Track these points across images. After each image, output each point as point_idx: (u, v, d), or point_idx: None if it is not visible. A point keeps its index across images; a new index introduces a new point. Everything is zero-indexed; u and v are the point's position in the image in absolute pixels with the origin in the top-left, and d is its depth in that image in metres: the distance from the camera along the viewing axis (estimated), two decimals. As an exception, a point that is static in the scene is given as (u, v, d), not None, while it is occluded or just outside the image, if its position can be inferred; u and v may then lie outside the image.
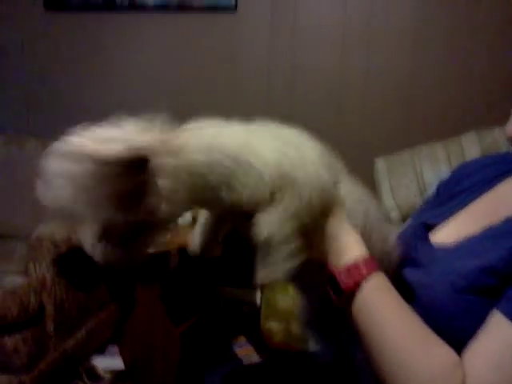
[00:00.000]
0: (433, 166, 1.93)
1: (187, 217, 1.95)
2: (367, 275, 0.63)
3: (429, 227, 0.78)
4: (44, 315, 1.90)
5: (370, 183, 2.05)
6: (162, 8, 2.53)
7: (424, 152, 2.00)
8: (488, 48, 2.18)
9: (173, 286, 2.10)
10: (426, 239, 0.75)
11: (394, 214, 1.95)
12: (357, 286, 0.63)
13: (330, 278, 0.65)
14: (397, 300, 0.64)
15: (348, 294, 0.63)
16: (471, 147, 1.89)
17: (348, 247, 0.65)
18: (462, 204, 0.78)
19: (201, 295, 2.18)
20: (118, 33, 2.65)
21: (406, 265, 0.73)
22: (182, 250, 2.05)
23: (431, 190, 1.77)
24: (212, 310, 2.31)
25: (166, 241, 1.81)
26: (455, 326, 0.62)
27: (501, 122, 1.84)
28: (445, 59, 2.25)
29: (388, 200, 1.97)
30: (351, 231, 0.66)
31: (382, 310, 0.62)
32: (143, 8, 2.55)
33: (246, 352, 2.16)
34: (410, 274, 0.71)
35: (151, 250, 1.77)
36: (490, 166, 0.82)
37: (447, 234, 0.74)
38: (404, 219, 1.87)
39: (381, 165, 2.04)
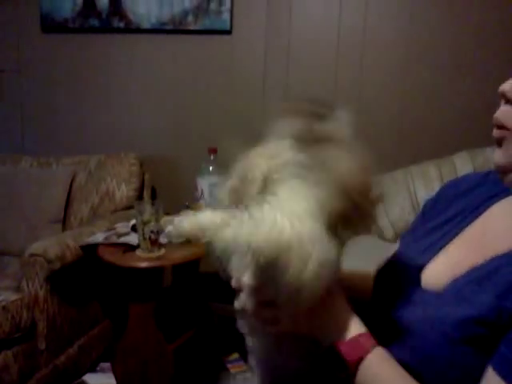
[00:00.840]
0: (426, 184, 1.95)
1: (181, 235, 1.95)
2: (370, 348, 0.66)
3: (419, 265, 0.78)
4: (36, 331, 1.89)
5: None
6: (158, 30, 2.58)
7: (417, 171, 2.02)
8: (479, 66, 2.22)
9: (167, 303, 2.09)
10: (418, 282, 0.76)
11: (388, 233, 1.96)
12: (361, 358, 0.66)
13: (332, 351, 0.68)
14: (398, 369, 0.66)
15: (352, 366, 0.66)
16: (464, 166, 1.92)
17: (348, 323, 0.69)
18: (450, 235, 0.78)
19: (194, 312, 2.17)
20: (114, 54, 2.69)
21: (398, 307, 0.74)
22: (176, 266, 2.05)
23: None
24: (206, 327, 2.29)
25: (160, 257, 1.81)
26: (449, 376, 0.63)
27: (492, 142, 1.88)
28: (436, 78, 2.29)
29: (382, 218, 1.98)
30: (348, 307, 0.70)
31: (386, 379, 0.66)
32: (139, 30, 2.60)
33: (239, 369, 2.14)
34: (402, 316, 0.72)
35: (144, 266, 1.77)
36: (476, 188, 0.82)
37: (437, 271, 0.74)
38: (398, 237, 1.88)
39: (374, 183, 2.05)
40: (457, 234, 0.77)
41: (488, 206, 0.77)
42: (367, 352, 0.66)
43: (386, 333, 0.69)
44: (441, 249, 0.77)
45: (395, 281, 0.78)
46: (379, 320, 0.73)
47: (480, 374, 0.61)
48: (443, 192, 0.89)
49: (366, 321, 0.70)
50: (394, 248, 0.90)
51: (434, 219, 0.84)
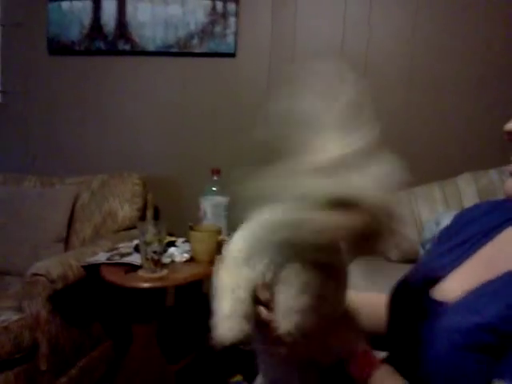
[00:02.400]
0: (430, 205, 1.95)
1: (184, 254, 1.95)
2: (377, 364, 0.68)
3: (432, 281, 0.78)
4: (37, 352, 1.88)
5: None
6: (164, 53, 2.61)
7: (420, 192, 2.02)
8: (483, 88, 2.24)
9: (169, 323, 2.08)
10: (431, 296, 0.76)
11: (392, 254, 1.96)
12: (369, 374, 0.67)
13: (338, 371, 0.69)
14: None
15: (361, 382, 0.68)
16: (467, 188, 1.93)
17: (356, 341, 0.70)
18: (464, 256, 0.78)
19: (198, 333, 2.15)
20: (120, 76, 2.72)
21: (411, 320, 0.74)
22: (179, 287, 2.05)
23: (428, 229, 1.78)
24: (209, 348, 2.27)
25: (162, 277, 1.81)
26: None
27: (495, 164, 1.88)
28: (439, 101, 2.31)
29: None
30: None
31: None
32: (145, 52, 2.64)
33: (242, 391, 2.12)
34: (414, 328, 0.72)
35: (147, 286, 1.76)
36: (490, 214, 0.82)
37: (450, 288, 0.74)
38: (402, 259, 1.87)
39: (378, 205, 2.06)
40: (471, 254, 0.77)
41: (503, 229, 0.77)
42: (375, 368, 0.67)
43: (398, 344, 0.70)
44: (454, 267, 0.77)
45: (409, 296, 0.79)
46: (392, 333, 0.73)
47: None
48: (458, 218, 0.90)
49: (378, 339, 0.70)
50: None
51: (447, 242, 0.85)
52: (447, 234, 0.88)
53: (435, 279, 0.77)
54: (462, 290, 0.70)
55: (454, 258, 0.79)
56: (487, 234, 0.78)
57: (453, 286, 0.73)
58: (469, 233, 0.82)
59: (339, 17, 2.39)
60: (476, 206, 0.89)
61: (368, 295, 0.92)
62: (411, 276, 0.84)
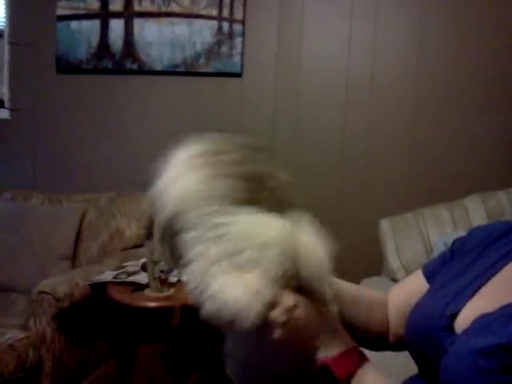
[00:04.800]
0: (438, 227, 1.95)
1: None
2: (361, 362, 0.66)
3: (453, 313, 0.75)
4: (41, 371, 1.87)
5: (376, 244, 2.08)
6: (170, 72, 2.64)
7: (429, 213, 2.02)
8: (490, 109, 2.26)
9: (175, 343, 2.06)
10: (451, 330, 0.73)
11: (400, 275, 1.94)
12: (352, 373, 0.65)
13: (321, 368, 0.67)
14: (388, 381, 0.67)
15: (343, 381, 0.65)
16: (476, 209, 1.92)
17: (337, 337, 0.69)
18: (481, 279, 0.76)
19: (204, 352, 2.14)
20: (127, 95, 2.74)
21: (432, 359, 0.72)
22: (185, 306, 2.04)
23: (438, 251, 1.77)
24: (215, 368, 2.25)
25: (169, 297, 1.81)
26: None
27: (502, 184, 1.87)
28: (446, 123, 2.33)
29: (394, 261, 1.97)
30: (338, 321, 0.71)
31: None
32: (152, 72, 2.66)
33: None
34: (434, 359, 0.71)
35: (154, 305, 1.76)
36: (506, 236, 0.81)
37: (468, 316, 0.71)
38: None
39: (386, 226, 2.05)
40: (489, 278, 0.76)
41: None
42: (357, 366, 0.65)
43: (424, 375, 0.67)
44: (472, 293, 0.75)
45: (427, 331, 0.75)
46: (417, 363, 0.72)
47: None
48: (473, 234, 0.88)
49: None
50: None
51: (462, 261, 0.83)
52: (461, 249, 0.87)
53: (454, 310, 0.74)
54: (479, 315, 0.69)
55: (469, 281, 0.77)
56: (504, 256, 0.77)
57: (471, 314, 0.71)
58: (485, 255, 0.81)
59: (345, 38, 2.41)
60: (493, 225, 0.88)
61: (367, 291, 0.92)
62: (427, 305, 0.81)
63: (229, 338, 0.77)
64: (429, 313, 0.78)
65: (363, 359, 0.67)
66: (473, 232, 0.89)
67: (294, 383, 0.75)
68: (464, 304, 0.74)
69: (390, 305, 0.91)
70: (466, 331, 0.68)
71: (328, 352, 0.67)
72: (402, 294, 0.91)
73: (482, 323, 0.66)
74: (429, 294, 0.84)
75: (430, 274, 0.89)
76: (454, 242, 0.91)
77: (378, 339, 0.88)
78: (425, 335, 0.75)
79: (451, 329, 0.72)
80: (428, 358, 0.73)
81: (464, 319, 0.72)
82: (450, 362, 0.66)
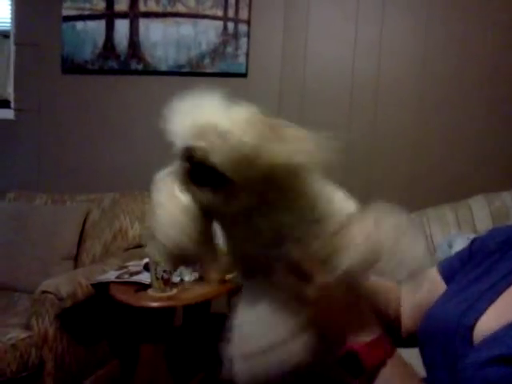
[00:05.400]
0: (442, 227, 1.94)
1: (193, 274, 1.94)
2: (392, 352, 0.63)
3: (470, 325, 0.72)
4: (43, 371, 1.86)
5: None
6: (175, 73, 2.64)
7: (432, 214, 2.01)
8: (494, 110, 2.25)
9: (177, 343, 2.06)
10: (470, 342, 0.70)
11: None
12: (382, 362, 0.62)
13: (346, 355, 0.63)
14: (416, 374, 0.64)
15: (371, 371, 0.62)
16: (480, 210, 1.91)
17: (369, 323, 0.65)
18: (498, 287, 0.73)
19: (206, 352, 2.13)
20: (132, 95, 2.74)
21: (443, 359, 0.71)
22: (187, 306, 2.03)
23: (441, 251, 1.76)
24: (218, 368, 2.24)
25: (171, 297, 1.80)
26: None
27: (507, 185, 1.85)
28: (451, 123, 2.32)
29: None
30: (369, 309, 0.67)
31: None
32: (157, 72, 2.66)
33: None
34: (445, 366, 0.69)
35: (156, 305, 1.75)
36: None
37: (487, 325, 0.69)
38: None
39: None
40: (507, 287, 0.72)
41: None
42: (388, 356, 0.62)
43: None
44: (492, 300, 0.72)
45: (443, 336, 0.73)
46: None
47: None
48: (493, 235, 0.85)
49: None
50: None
51: (481, 265, 0.80)
52: (480, 251, 0.84)
53: (471, 320, 0.71)
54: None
55: (487, 287, 0.74)
56: None
57: (490, 328, 0.68)
58: (504, 261, 0.77)
59: (350, 39, 2.41)
60: (497, 233, 0.85)
61: (381, 281, 0.87)
62: (444, 313, 0.77)
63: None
64: (446, 319, 0.75)
65: (394, 349, 0.63)
66: (492, 233, 0.87)
67: (310, 377, 0.70)
68: (483, 312, 0.71)
69: (403, 300, 0.88)
70: (485, 341, 0.65)
71: (358, 338, 0.63)
72: (417, 291, 0.87)
73: (502, 333, 0.64)
74: (446, 297, 0.81)
75: (448, 273, 0.86)
76: (472, 241, 0.88)
77: (393, 332, 0.85)
78: (440, 340, 0.73)
79: (469, 338, 0.69)
80: (437, 364, 0.71)
81: (482, 329, 0.69)
82: (470, 373, 0.62)
